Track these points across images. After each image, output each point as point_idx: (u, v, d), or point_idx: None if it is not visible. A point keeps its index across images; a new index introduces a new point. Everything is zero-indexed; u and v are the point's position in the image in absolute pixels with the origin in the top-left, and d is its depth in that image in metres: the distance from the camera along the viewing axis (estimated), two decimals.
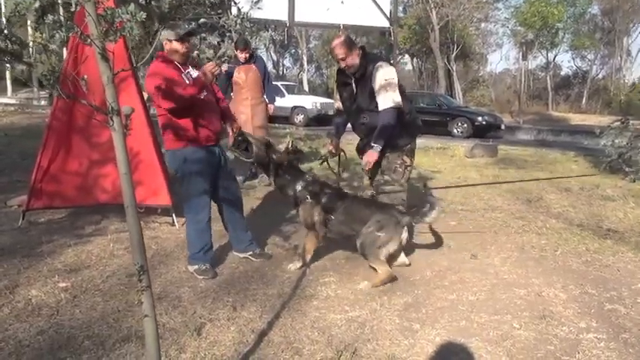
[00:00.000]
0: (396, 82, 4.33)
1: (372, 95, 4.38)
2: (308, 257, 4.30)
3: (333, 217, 4.18)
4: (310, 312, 3.54)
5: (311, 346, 3.07)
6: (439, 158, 11.46)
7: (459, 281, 4.15)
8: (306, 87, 34.21)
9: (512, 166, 10.47)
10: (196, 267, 4.14)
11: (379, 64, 4.34)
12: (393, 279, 4.03)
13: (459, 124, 19.05)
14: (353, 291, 3.91)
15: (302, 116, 21.68)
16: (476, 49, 39.71)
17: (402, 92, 4.42)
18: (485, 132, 18.70)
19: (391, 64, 4.47)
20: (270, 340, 3.12)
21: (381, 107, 4.33)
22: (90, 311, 3.45)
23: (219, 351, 2.99)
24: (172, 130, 4.03)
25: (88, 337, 3.10)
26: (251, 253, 4.43)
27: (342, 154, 4.81)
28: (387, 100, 4.30)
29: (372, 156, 4.36)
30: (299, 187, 4.25)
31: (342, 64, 4.41)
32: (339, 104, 4.81)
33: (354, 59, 4.36)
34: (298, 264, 4.28)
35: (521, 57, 32.70)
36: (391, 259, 4.17)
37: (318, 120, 21.25)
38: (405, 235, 4.11)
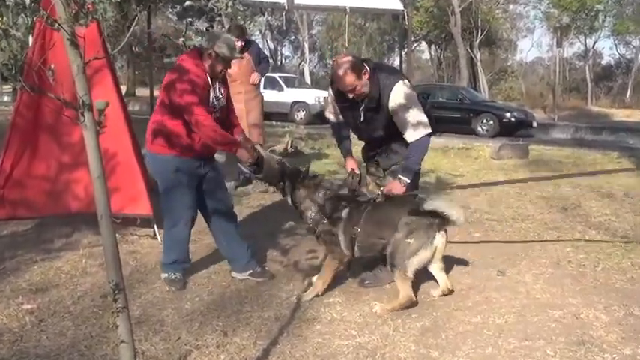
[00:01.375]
0: (418, 103, 4.27)
1: (388, 123, 4.32)
2: (324, 286, 4.19)
3: (359, 230, 4.14)
4: (312, 337, 3.53)
5: None
6: (461, 160, 11.46)
7: (485, 302, 4.14)
8: (307, 79, 34.28)
9: (546, 168, 10.46)
10: (166, 275, 4.33)
11: (393, 88, 4.21)
12: (413, 304, 3.99)
13: (484, 121, 19.02)
14: (361, 313, 3.91)
15: (303, 113, 21.73)
16: (503, 35, 39.77)
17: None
18: (514, 130, 18.66)
19: (408, 80, 4.35)
20: None
21: (412, 138, 4.27)
22: (58, 337, 3.45)
23: None
24: (162, 133, 4.14)
25: None
26: (251, 271, 4.43)
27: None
28: (418, 129, 4.25)
29: (397, 188, 4.29)
30: (313, 213, 4.20)
31: (350, 96, 4.28)
32: (332, 117, 4.68)
33: (363, 87, 4.22)
34: (311, 294, 4.16)
35: (555, 44, 32.76)
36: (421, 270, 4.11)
37: (322, 117, 21.24)
38: (440, 240, 4.02)
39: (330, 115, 4.72)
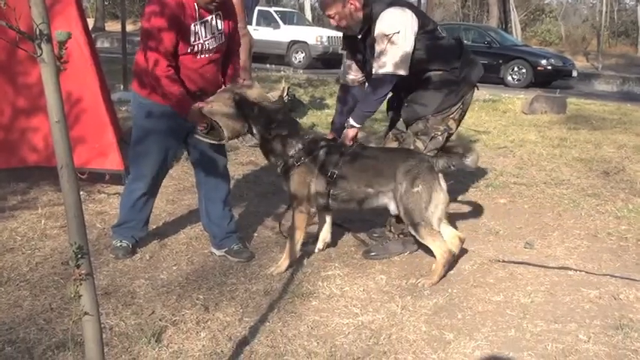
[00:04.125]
0: (403, 38, 4.13)
1: None
2: (297, 248, 4.23)
3: (336, 173, 4.10)
4: (307, 315, 3.56)
5: None
6: (487, 114, 11.42)
7: (509, 278, 4.17)
8: (308, 15, 33.93)
9: (586, 125, 10.41)
10: (113, 241, 4.32)
11: (384, 12, 4.15)
12: (452, 257, 4.06)
13: (516, 68, 18.91)
14: (365, 288, 3.94)
15: (302, 55, 21.57)
16: None
17: (431, 32, 4.33)
18: (550, 80, 18.58)
19: (409, 9, 4.24)
20: (254, 351, 3.15)
21: (373, 71, 4.24)
22: (13, 309, 3.47)
23: None
24: (137, 72, 4.07)
25: (10, 343, 3.12)
26: (227, 249, 4.38)
27: None
28: (383, 62, 4.17)
29: (346, 135, 4.35)
30: (292, 152, 4.17)
31: (333, 23, 4.31)
32: (350, 70, 4.61)
33: (344, 19, 4.21)
34: (284, 264, 4.19)
35: None
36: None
37: (324, 60, 21.11)
38: (443, 185, 4.07)
39: (347, 73, 4.66)
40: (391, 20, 4.13)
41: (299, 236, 4.20)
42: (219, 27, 4.04)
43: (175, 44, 3.82)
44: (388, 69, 4.15)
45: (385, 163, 4.14)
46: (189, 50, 3.91)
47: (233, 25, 4.18)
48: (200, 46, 3.95)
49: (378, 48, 4.17)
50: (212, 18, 3.98)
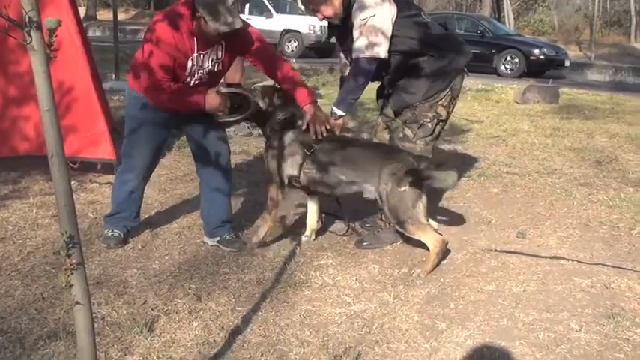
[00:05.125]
0: (379, 21, 4.16)
1: None
2: (274, 217, 4.37)
3: (316, 148, 4.14)
4: (300, 304, 3.56)
5: (300, 349, 3.09)
6: (479, 104, 11.42)
7: (501, 267, 4.17)
8: (301, 4, 33.88)
9: (578, 115, 10.44)
10: (105, 230, 4.32)
11: (359, 2, 4.20)
12: (446, 245, 4.12)
13: (509, 58, 18.94)
14: (358, 278, 3.94)
15: (295, 44, 21.51)
16: None
17: (413, 16, 4.33)
18: (543, 69, 18.65)
19: None
20: (246, 341, 3.15)
21: (353, 56, 4.26)
22: (5, 298, 3.46)
23: (177, 353, 3.01)
24: (134, 68, 4.07)
25: (1, 332, 3.11)
26: (219, 239, 4.39)
27: None
28: (361, 46, 4.18)
29: (335, 126, 4.35)
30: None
31: (319, 17, 4.36)
32: (343, 60, 4.67)
33: (328, 10, 4.27)
34: (262, 233, 4.34)
35: None
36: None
37: (317, 50, 21.04)
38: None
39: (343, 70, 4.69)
40: (366, 5, 4.17)
41: (273, 206, 4.32)
42: (219, 56, 4.02)
43: (167, 70, 3.82)
44: (366, 53, 4.18)
45: (368, 158, 4.18)
46: (182, 80, 3.93)
47: (232, 57, 4.18)
48: (192, 77, 3.96)
49: (356, 33, 4.19)
50: (212, 50, 3.95)
